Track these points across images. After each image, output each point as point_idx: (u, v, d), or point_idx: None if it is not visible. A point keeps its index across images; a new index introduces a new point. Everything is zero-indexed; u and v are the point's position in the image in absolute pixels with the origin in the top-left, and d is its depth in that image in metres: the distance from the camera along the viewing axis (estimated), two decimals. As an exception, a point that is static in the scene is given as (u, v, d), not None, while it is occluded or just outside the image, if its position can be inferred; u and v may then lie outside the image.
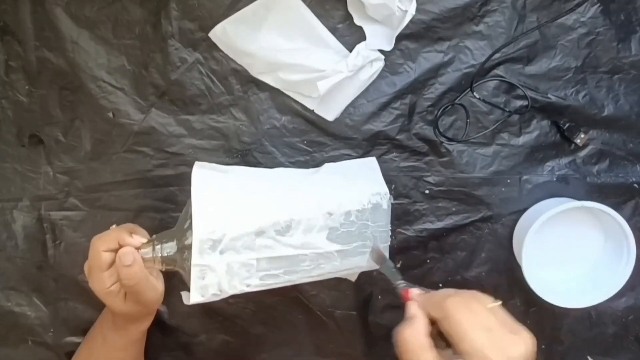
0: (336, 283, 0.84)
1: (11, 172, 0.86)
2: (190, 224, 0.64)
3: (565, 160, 0.83)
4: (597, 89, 0.81)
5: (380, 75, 0.80)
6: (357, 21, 0.79)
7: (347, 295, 0.85)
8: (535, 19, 0.79)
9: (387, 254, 0.77)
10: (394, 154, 0.83)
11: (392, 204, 0.78)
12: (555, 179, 0.82)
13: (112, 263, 0.69)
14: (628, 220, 0.77)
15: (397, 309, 0.85)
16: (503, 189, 0.83)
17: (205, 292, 0.64)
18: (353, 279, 0.84)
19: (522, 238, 0.78)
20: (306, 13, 0.78)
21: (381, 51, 0.79)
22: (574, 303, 0.79)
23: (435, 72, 0.81)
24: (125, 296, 0.72)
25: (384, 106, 0.81)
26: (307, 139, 0.83)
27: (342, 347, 0.87)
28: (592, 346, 0.86)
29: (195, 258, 0.62)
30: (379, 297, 0.86)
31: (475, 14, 0.79)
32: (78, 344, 0.87)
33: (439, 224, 0.84)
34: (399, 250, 0.84)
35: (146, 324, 0.80)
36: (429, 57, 0.80)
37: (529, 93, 0.79)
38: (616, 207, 0.77)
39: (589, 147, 0.82)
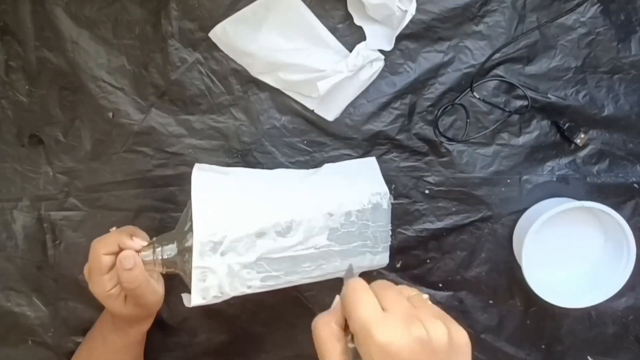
0: (336, 283, 0.84)
1: (11, 172, 0.86)
2: (191, 226, 0.64)
3: (565, 160, 0.83)
4: (597, 89, 0.81)
5: (380, 75, 0.80)
6: (357, 21, 0.79)
7: (347, 295, 0.85)
8: (535, 19, 0.79)
9: (387, 254, 0.77)
10: (394, 154, 0.83)
11: (392, 204, 0.78)
12: (555, 179, 0.82)
13: (113, 266, 0.69)
14: (628, 220, 0.77)
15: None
16: (503, 189, 0.83)
17: (206, 294, 0.64)
18: (353, 279, 0.84)
19: (522, 238, 0.78)
20: (306, 13, 0.78)
21: (381, 51, 0.79)
22: (574, 303, 0.79)
23: (435, 72, 0.81)
24: (125, 299, 0.72)
25: (384, 106, 0.81)
26: (307, 139, 0.83)
27: (342, 347, 0.87)
28: (592, 346, 0.86)
29: (196, 260, 0.62)
30: (379, 297, 0.86)
31: (475, 14, 0.79)
32: (78, 344, 0.87)
33: (439, 224, 0.84)
34: (399, 250, 0.84)
35: (146, 326, 0.80)
36: (429, 57, 0.80)
37: (529, 93, 0.79)
38: (616, 207, 0.77)
39: (589, 147, 0.82)
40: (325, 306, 0.83)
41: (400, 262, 0.85)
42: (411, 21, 0.77)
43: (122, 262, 0.67)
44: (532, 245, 0.77)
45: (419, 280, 0.85)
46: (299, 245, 0.68)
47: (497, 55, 0.79)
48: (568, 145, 0.82)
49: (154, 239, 0.70)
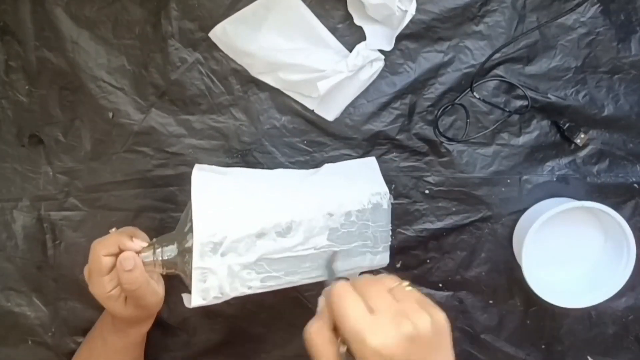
0: (336, 283, 0.84)
1: (11, 172, 0.86)
2: (191, 226, 0.64)
3: (565, 160, 0.83)
4: (597, 89, 0.81)
5: (380, 75, 0.80)
6: (357, 21, 0.79)
7: (347, 295, 0.85)
8: (535, 19, 0.79)
9: (387, 254, 0.77)
10: (394, 154, 0.83)
11: (392, 204, 0.78)
12: (555, 179, 0.82)
13: (113, 267, 0.69)
14: (628, 220, 0.77)
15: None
16: (503, 189, 0.83)
17: (206, 295, 0.64)
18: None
19: (522, 238, 0.78)
20: (306, 13, 0.78)
21: (381, 51, 0.79)
22: (574, 303, 0.79)
23: (435, 72, 0.81)
24: (125, 300, 0.72)
25: (384, 106, 0.81)
26: (307, 139, 0.83)
27: (342, 347, 0.87)
28: (592, 346, 0.86)
29: (196, 261, 0.62)
30: (379, 297, 0.86)
31: (475, 14, 0.79)
32: (78, 344, 0.87)
33: (439, 224, 0.84)
34: (399, 250, 0.84)
35: (146, 327, 0.81)
36: (429, 57, 0.80)
37: (529, 93, 0.79)
38: (616, 207, 0.77)
39: (589, 147, 0.82)
40: (325, 306, 0.84)
41: (400, 262, 0.85)
42: (411, 21, 0.77)
43: (122, 263, 0.67)
44: (532, 245, 0.77)
45: (419, 280, 0.85)
46: (299, 245, 0.68)
47: (497, 55, 0.79)
48: (568, 145, 0.82)
49: (154, 240, 0.70)
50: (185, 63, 0.81)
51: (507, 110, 0.80)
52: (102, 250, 0.69)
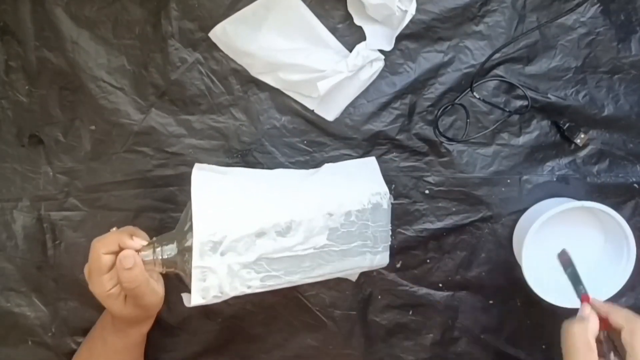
0: (336, 283, 0.84)
1: (11, 172, 0.86)
2: (191, 226, 0.64)
3: (565, 160, 0.83)
4: (597, 89, 0.81)
5: (380, 75, 0.80)
6: (357, 21, 0.79)
7: (347, 295, 0.85)
8: (535, 19, 0.79)
9: (387, 254, 0.77)
10: (394, 154, 0.83)
11: (392, 204, 0.78)
12: (555, 179, 0.82)
13: (113, 266, 0.69)
14: (628, 220, 0.77)
15: (397, 309, 0.85)
16: (503, 189, 0.83)
17: (206, 294, 0.64)
18: (353, 279, 0.84)
19: (522, 238, 0.78)
20: (306, 13, 0.78)
21: (381, 51, 0.79)
22: (574, 303, 0.79)
23: (435, 72, 0.81)
24: (125, 299, 0.72)
25: (384, 106, 0.81)
26: (307, 139, 0.83)
27: (342, 347, 0.87)
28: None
29: (196, 260, 0.62)
30: (379, 297, 0.86)
31: (475, 14, 0.79)
32: (78, 344, 0.87)
33: (439, 224, 0.84)
34: (399, 250, 0.84)
35: (146, 327, 0.80)
36: (429, 57, 0.80)
37: (529, 93, 0.79)
38: (616, 207, 0.77)
39: (589, 147, 0.82)
40: (326, 306, 0.84)
41: (400, 262, 0.85)
42: (411, 21, 0.77)
43: (122, 261, 0.67)
44: (532, 245, 0.77)
45: (419, 280, 0.85)
46: (299, 245, 0.68)
47: (497, 55, 0.79)
48: (568, 145, 0.82)
49: (154, 238, 0.70)
50: (185, 63, 0.81)
51: (507, 110, 0.80)
52: (102, 248, 0.69)
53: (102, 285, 0.69)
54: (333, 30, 0.79)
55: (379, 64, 0.79)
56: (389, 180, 0.81)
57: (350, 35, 0.80)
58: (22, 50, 0.82)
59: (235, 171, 0.75)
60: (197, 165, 0.70)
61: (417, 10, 0.76)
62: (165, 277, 0.77)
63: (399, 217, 0.83)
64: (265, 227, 0.66)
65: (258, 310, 0.86)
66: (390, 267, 0.82)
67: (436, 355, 0.88)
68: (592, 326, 0.65)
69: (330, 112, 0.81)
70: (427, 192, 0.83)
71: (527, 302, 0.85)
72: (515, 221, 0.83)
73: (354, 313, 0.86)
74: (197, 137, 0.83)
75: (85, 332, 0.86)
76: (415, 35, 0.79)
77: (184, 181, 0.83)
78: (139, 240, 0.69)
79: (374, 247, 0.75)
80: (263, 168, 0.82)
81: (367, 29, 0.79)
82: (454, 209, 0.83)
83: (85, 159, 0.84)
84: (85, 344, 0.84)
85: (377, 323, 0.87)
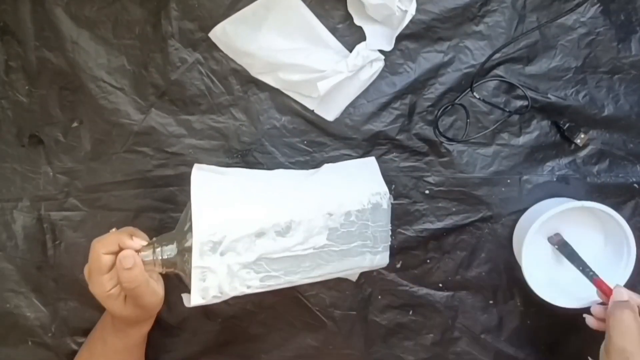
0: (336, 283, 0.84)
1: (11, 172, 0.86)
2: (190, 226, 0.64)
3: (565, 160, 0.83)
4: (597, 89, 0.81)
5: (380, 75, 0.80)
6: (357, 21, 0.79)
7: (347, 295, 0.85)
8: (535, 19, 0.79)
9: (387, 254, 0.77)
10: (394, 154, 0.83)
11: (392, 204, 0.78)
12: (555, 179, 0.82)
13: (112, 266, 0.69)
14: (628, 220, 0.77)
15: (397, 309, 0.85)
16: (503, 189, 0.83)
17: (205, 294, 0.64)
18: (353, 279, 0.84)
19: (522, 238, 0.78)
20: (306, 13, 0.78)
21: (381, 51, 0.79)
22: (574, 303, 0.79)
23: (435, 72, 0.81)
24: (125, 299, 0.72)
25: (384, 106, 0.81)
26: (307, 139, 0.83)
27: (342, 347, 0.87)
28: (593, 346, 0.86)
29: (196, 260, 0.62)
30: (379, 297, 0.86)
31: (475, 14, 0.79)
32: (78, 344, 0.87)
33: (439, 224, 0.84)
34: (399, 250, 0.84)
35: (146, 327, 0.80)
36: (429, 57, 0.80)
37: (529, 93, 0.79)
38: (616, 207, 0.77)
39: (589, 147, 0.82)
40: (326, 306, 0.84)
41: (400, 262, 0.85)
42: (411, 21, 0.77)
43: (122, 261, 0.67)
44: (532, 245, 0.77)
45: (419, 280, 0.85)
46: (299, 245, 0.68)
47: (497, 55, 0.79)
48: (568, 145, 0.82)
49: (154, 239, 0.70)
50: (185, 63, 0.81)
51: (507, 110, 0.80)
52: (102, 248, 0.69)
53: (102, 286, 0.69)
54: (333, 30, 0.79)
55: (379, 64, 0.79)
56: (389, 180, 0.81)
57: (350, 35, 0.80)
58: (22, 50, 0.82)
59: (235, 171, 0.75)
60: (196, 166, 0.70)
61: (417, 10, 0.76)
62: (165, 277, 0.77)
63: (399, 217, 0.83)
64: (265, 227, 0.66)
65: (258, 310, 0.86)
66: (390, 267, 0.82)
67: (436, 355, 0.88)
68: (636, 308, 0.66)
69: (330, 112, 0.81)
70: (427, 192, 0.83)
71: (527, 302, 0.85)
72: (515, 221, 0.83)
73: (354, 313, 0.86)
74: (197, 137, 0.83)
75: (85, 332, 0.86)
76: (415, 35, 0.79)
77: (184, 181, 0.83)
78: (139, 240, 0.69)
79: (374, 247, 0.75)
80: (263, 168, 0.82)
81: (367, 29, 0.79)
82: (454, 209, 0.83)
83: (85, 159, 0.84)
84: (86, 346, 0.84)
85: (377, 323, 0.87)
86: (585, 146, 0.82)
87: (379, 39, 0.79)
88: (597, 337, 0.86)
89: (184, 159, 0.83)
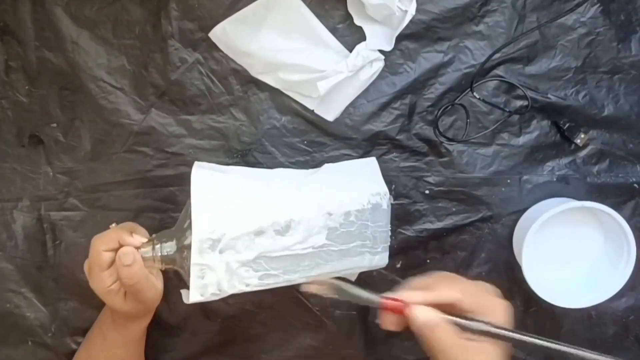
0: (336, 283, 0.84)
1: (11, 172, 0.86)
2: (190, 223, 0.64)
3: (565, 160, 0.83)
4: (597, 89, 0.81)
5: (380, 75, 0.80)
6: (357, 21, 0.79)
7: (347, 295, 0.85)
8: (535, 19, 0.79)
9: (387, 254, 0.77)
10: (394, 154, 0.83)
11: (392, 204, 0.78)
12: (555, 179, 0.82)
13: (112, 262, 0.70)
14: (628, 220, 0.77)
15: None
16: (503, 189, 0.83)
17: (204, 291, 0.64)
18: (353, 278, 0.84)
19: (522, 238, 0.78)
20: (306, 13, 0.78)
21: (381, 51, 0.79)
22: (574, 303, 0.79)
23: (435, 72, 0.81)
24: (125, 295, 0.72)
25: (384, 106, 0.81)
26: (307, 139, 0.83)
27: (342, 347, 0.87)
28: (593, 346, 0.85)
29: (195, 257, 0.62)
30: (379, 297, 0.86)
31: (475, 14, 0.79)
32: (78, 344, 0.87)
33: (439, 224, 0.84)
34: (399, 250, 0.84)
35: (146, 322, 0.81)
36: (429, 57, 0.80)
37: (529, 93, 0.79)
38: (616, 207, 0.77)
39: (589, 147, 0.82)
40: (326, 306, 0.84)
41: (400, 262, 0.85)
42: (411, 21, 0.77)
43: (122, 258, 0.68)
44: (532, 245, 0.77)
45: (419, 280, 0.85)
46: (298, 244, 0.67)
47: (497, 55, 0.79)
48: (568, 145, 0.82)
49: (154, 235, 0.71)
50: (185, 63, 0.81)
51: (507, 110, 0.80)
52: (102, 245, 0.69)
53: (102, 282, 0.70)
54: (333, 30, 0.79)
55: (379, 64, 0.79)
56: (389, 181, 0.80)
57: (350, 35, 0.80)
58: (22, 50, 0.82)
59: (235, 170, 0.75)
60: (197, 163, 0.70)
61: (417, 10, 0.76)
62: (165, 277, 0.77)
63: (399, 217, 0.83)
64: (264, 226, 0.66)
65: (258, 310, 0.86)
66: (390, 267, 0.82)
67: (436, 355, 0.88)
68: (447, 323, 0.60)
69: (330, 112, 0.81)
70: (427, 192, 0.83)
71: (527, 302, 0.85)
72: (515, 221, 0.83)
73: (354, 313, 0.86)
74: (197, 137, 0.83)
75: (85, 332, 0.86)
76: (415, 35, 0.79)
77: (184, 181, 0.83)
78: (139, 237, 0.70)
79: (373, 248, 0.75)
80: (263, 168, 0.82)
81: (367, 29, 0.79)
82: (454, 209, 0.83)
83: (85, 159, 0.84)
84: (85, 343, 0.84)
85: (377, 323, 0.86)
86: (585, 146, 0.82)
87: (379, 39, 0.79)
88: (597, 337, 0.86)
89: (184, 159, 0.83)
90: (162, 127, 0.82)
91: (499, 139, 0.82)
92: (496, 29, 0.79)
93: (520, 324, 0.85)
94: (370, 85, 0.81)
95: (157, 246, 0.69)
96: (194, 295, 0.63)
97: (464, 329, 0.60)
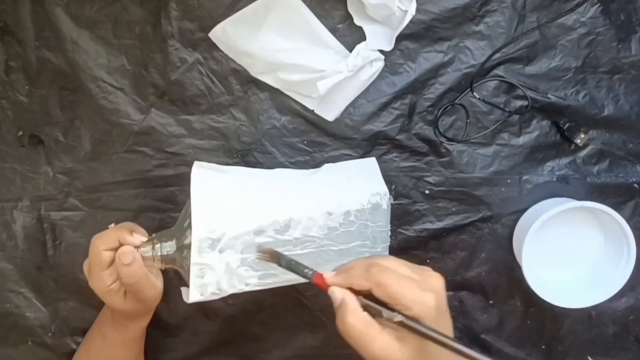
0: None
1: (11, 172, 0.86)
2: (190, 223, 0.64)
3: (565, 160, 0.82)
4: (597, 89, 0.81)
5: (380, 75, 0.80)
6: (357, 21, 0.79)
7: (347, 295, 0.85)
8: (535, 19, 0.79)
9: (386, 254, 0.77)
10: (394, 154, 0.83)
11: (392, 204, 0.78)
12: (555, 179, 0.82)
13: (112, 262, 0.69)
14: (628, 220, 0.77)
15: (397, 308, 0.85)
16: (503, 189, 0.83)
17: (204, 290, 0.64)
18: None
19: (522, 238, 0.78)
20: (306, 13, 0.78)
21: (381, 51, 0.79)
22: (574, 303, 0.79)
23: (435, 72, 0.81)
24: (125, 294, 0.72)
25: (384, 106, 0.81)
26: (307, 139, 0.83)
27: (342, 347, 0.87)
28: (593, 346, 0.86)
29: (195, 257, 0.62)
30: (379, 297, 0.86)
31: (475, 14, 0.79)
32: (78, 344, 0.87)
33: (439, 224, 0.84)
34: (399, 250, 0.83)
35: (145, 321, 0.81)
36: (429, 57, 0.80)
37: (529, 93, 0.79)
38: (616, 207, 0.77)
39: (589, 147, 0.82)
40: (326, 306, 0.84)
41: (400, 262, 0.85)
42: (411, 21, 0.77)
43: (121, 257, 0.68)
44: (532, 245, 0.77)
45: (419, 280, 0.85)
46: (298, 244, 0.68)
47: (497, 55, 0.79)
48: (568, 145, 0.82)
49: (154, 235, 0.71)
50: (185, 63, 0.81)
51: (507, 110, 0.80)
52: (102, 244, 0.69)
53: (102, 281, 0.70)
54: (333, 30, 0.79)
55: (379, 64, 0.79)
56: (389, 181, 0.80)
57: (350, 35, 0.80)
58: (22, 50, 0.82)
59: (235, 170, 0.75)
60: (197, 163, 0.70)
61: (417, 10, 0.76)
62: (166, 277, 0.77)
63: (399, 217, 0.83)
64: (264, 225, 0.66)
65: (258, 310, 0.86)
66: (390, 267, 0.82)
67: (436, 355, 0.88)
68: (356, 304, 0.58)
69: (330, 112, 0.81)
70: (427, 192, 0.83)
71: (527, 302, 0.85)
72: (515, 221, 0.83)
73: (354, 313, 0.86)
74: (197, 137, 0.83)
75: (85, 332, 0.86)
76: (415, 35, 0.79)
77: (184, 181, 0.83)
78: (138, 236, 0.70)
79: (373, 247, 0.75)
80: (263, 168, 0.82)
81: (367, 29, 0.79)
82: (454, 209, 0.83)
83: (85, 159, 0.84)
84: (85, 343, 0.84)
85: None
86: (585, 146, 0.82)
87: (379, 39, 0.79)
88: (597, 337, 0.86)
89: (184, 159, 0.83)
90: (162, 127, 0.83)
91: (499, 139, 0.82)
92: (496, 29, 0.79)
93: (521, 324, 0.86)
94: (370, 85, 0.81)
95: (157, 245, 0.69)
96: (193, 294, 0.63)
97: (375, 315, 0.57)
